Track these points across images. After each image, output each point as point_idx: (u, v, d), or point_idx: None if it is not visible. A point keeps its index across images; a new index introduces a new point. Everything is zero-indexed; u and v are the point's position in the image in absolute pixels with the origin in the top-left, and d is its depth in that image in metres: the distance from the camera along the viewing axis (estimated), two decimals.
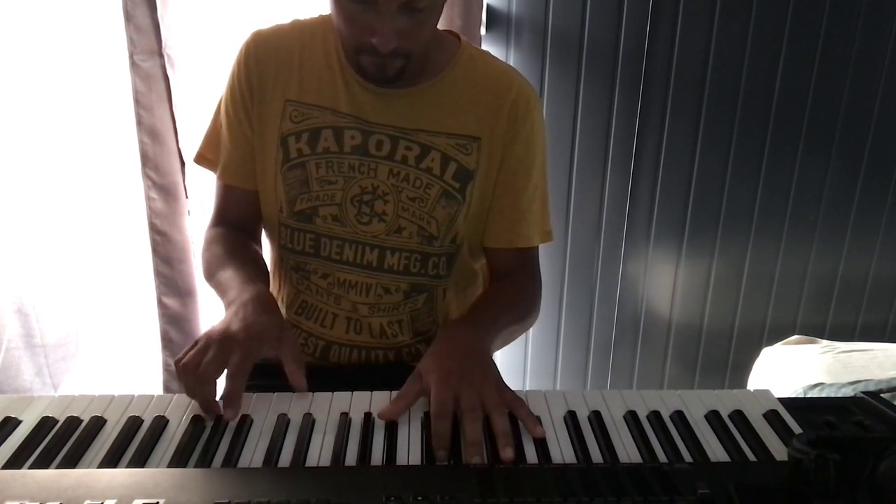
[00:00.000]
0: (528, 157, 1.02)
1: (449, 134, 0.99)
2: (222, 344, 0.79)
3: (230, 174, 1.06)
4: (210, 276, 1.02)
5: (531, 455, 0.71)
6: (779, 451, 0.72)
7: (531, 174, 1.04)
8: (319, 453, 0.71)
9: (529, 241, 1.07)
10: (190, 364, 0.78)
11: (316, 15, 1.04)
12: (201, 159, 1.10)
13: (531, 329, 2.08)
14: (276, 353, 0.83)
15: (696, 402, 0.81)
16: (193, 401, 0.79)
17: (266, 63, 1.00)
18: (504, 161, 1.01)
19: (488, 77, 1.01)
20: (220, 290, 0.97)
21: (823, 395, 1.61)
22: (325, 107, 0.99)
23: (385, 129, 0.98)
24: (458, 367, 0.80)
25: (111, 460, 0.69)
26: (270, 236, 1.09)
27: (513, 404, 0.77)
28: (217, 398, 0.78)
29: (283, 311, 1.10)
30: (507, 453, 0.70)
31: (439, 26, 0.98)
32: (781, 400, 0.82)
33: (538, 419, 0.76)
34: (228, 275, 0.96)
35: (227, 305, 0.90)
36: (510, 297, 1.05)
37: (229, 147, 1.05)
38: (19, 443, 0.72)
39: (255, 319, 0.83)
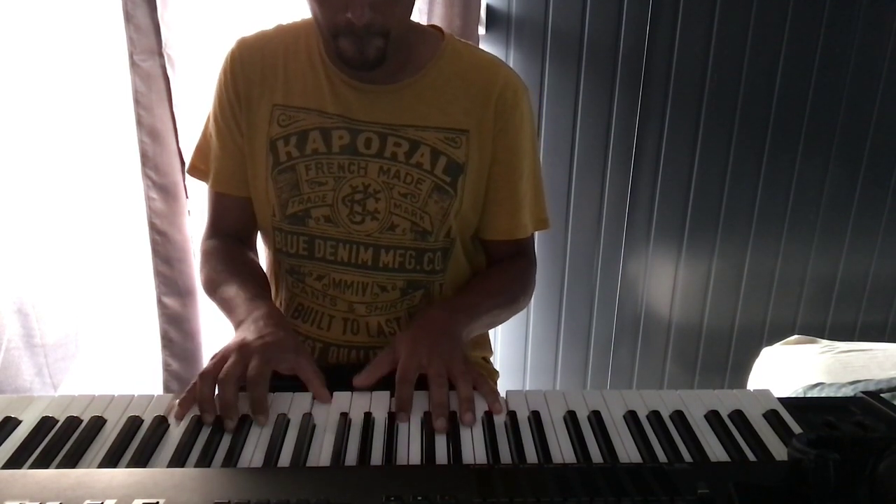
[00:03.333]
0: (518, 148, 1.03)
1: (437, 128, 0.99)
2: (241, 351, 0.80)
3: (222, 182, 1.07)
4: (212, 291, 1.02)
5: (531, 455, 0.71)
6: (779, 451, 0.73)
7: (523, 165, 1.04)
8: (319, 453, 0.71)
9: (525, 231, 1.08)
10: (210, 372, 0.78)
11: (297, 18, 1.04)
12: (194, 170, 1.10)
13: (531, 329, 2.10)
14: (292, 365, 0.83)
15: (696, 402, 0.81)
16: (196, 403, 0.79)
17: (251, 69, 1.00)
18: (495, 153, 1.01)
19: (474, 69, 1.01)
20: (226, 307, 0.97)
21: (823, 395, 1.61)
22: (311, 108, 0.99)
23: (373, 126, 0.98)
24: (429, 342, 0.85)
25: (111, 460, 0.69)
26: (265, 241, 1.09)
27: (477, 380, 0.81)
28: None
29: None
30: (468, 417, 0.76)
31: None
32: (781, 400, 0.82)
33: (498, 397, 0.81)
34: (233, 291, 0.96)
35: (238, 324, 0.90)
36: (497, 282, 1.07)
37: (220, 155, 1.05)
38: (19, 443, 0.72)
39: (271, 331, 0.84)
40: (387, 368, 0.85)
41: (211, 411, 0.76)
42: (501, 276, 1.09)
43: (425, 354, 0.83)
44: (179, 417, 0.77)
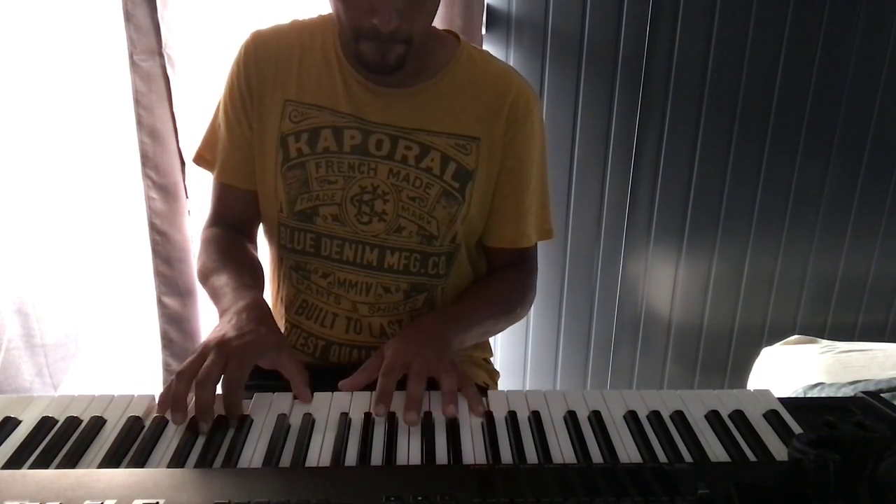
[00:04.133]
0: (527, 157, 1.03)
1: (448, 134, 0.99)
2: (220, 350, 0.79)
3: (227, 174, 1.07)
4: (205, 279, 1.02)
5: (531, 455, 0.71)
6: (779, 451, 0.73)
7: (531, 174, 1.04)
8: (319, 453, 0.71)
9: (529, 240, 1.08)
10: (187, 371, 0.77)
11: (315, 15, 1.04)
12: (200, 160, 1.10)
13: (531, 329, 2.10)
14: (273, 363, 0.83)
15: (696, 402, 0.81)
16: (192, 402, 0.79)
17: (265, 63, 1.00)
18: (504, 162, 1.01)
19: (488, 77, 1.01)
20: (215, 295, 0.96)
21: (823, 395, 1.61)
22: (324, 106, 0.99)
23: (385, 128, 0.98)
24: (416, 343, 0.86)
25: (111, 460, 0.69)
26: (270, 236, 1.09)
27: (461, 381, 0.82)
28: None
29: (282, 311, 1.11)
30: (450, 410, 0.77)
31: (439, 26, 0.98)
32: (781, 400, 0.82)
33: (481, 400, 0.81)
34: (223, 280, 0.96)
35: (222, 313, 0.89)
36: (495, 292, 1.07)
37: (227, 147, 1.05)
38: (19, 443, 0.72)
39: (251, 328, 0.83)
40: (375, 374, 0.84)
41: (183, 412, 0.75)
42: (500, 285, 1.09)
43: (411, 354, 0.83)
44: (160, 413, 0.77)
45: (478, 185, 1.01)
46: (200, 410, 0.75)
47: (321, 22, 1.02)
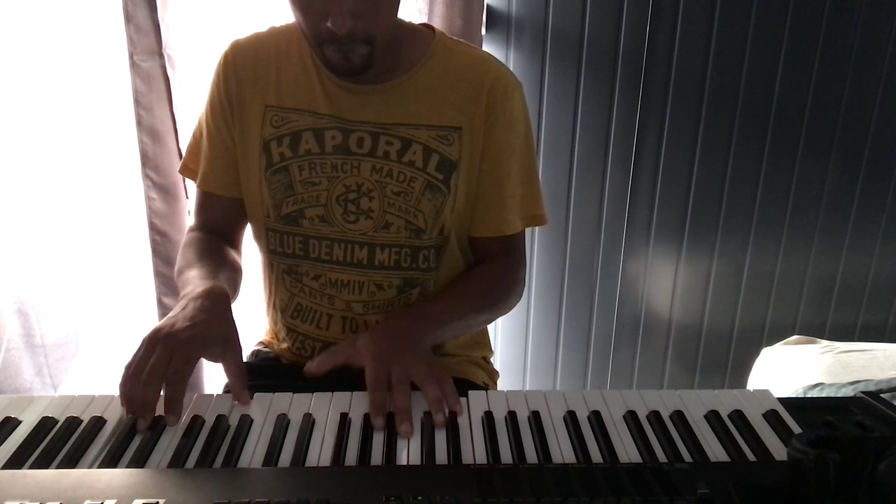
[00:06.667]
0: (508, 143, 1.02)
1: (429, 126, 0.99)
2: (166, 343, 0.79)
3: (209, 182, 1.07)
4: (178, 277, 1.01)
5: (531, 455, 0.71)
6: (779, 451, 0.73)
7: (511, 161, 1.03)
8: (319, 453, 0.71)
9: (514, 227, 1.07)
10: (135, 367, 0.77)
11: (292, 19, 1.04)
12: (185, 170, 1.11)
13: (531, 329, 2.10)
14: (218, 358, 0.83)
15: (696, 402, 0.81)
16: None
17: (244, 71, 1.01)
18: (485, 149, 1.01)
19: (465, 66, 1.01)
20: (182, 288, 0.95)
21: (823, 395, 1.61)
22: (303, 109, 0.99)
23: (364, 126, 0.98)
24: (390, 347, 0.86)
25: (111, 460, 0.69)
26: (260, 242, 1.09)
27: (440, 380, 0.82)
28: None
29: (278, 315, 1.10)
30: (439, 418, 0.77)
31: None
32: (781, 400, 0.82)
33: (458, 398, 0.81)
34: (192, 274, 0.95)
35: (180, 299, 0.88)
36: (476, 287, 1.06)
37: (209, 156, 1.06)
38: (19, 443, 0.72)
39: (203, 318, 0.82)
40: (341, 359, 0.86)
41: (137, 412, 0.75)
42: (479, 279, 1.08)
43: (388, 360, 0.83)
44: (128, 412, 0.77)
45: (462, 175, 1.01)
46: (142, 409, 0.75)
47: (297, 25, 1.02)
